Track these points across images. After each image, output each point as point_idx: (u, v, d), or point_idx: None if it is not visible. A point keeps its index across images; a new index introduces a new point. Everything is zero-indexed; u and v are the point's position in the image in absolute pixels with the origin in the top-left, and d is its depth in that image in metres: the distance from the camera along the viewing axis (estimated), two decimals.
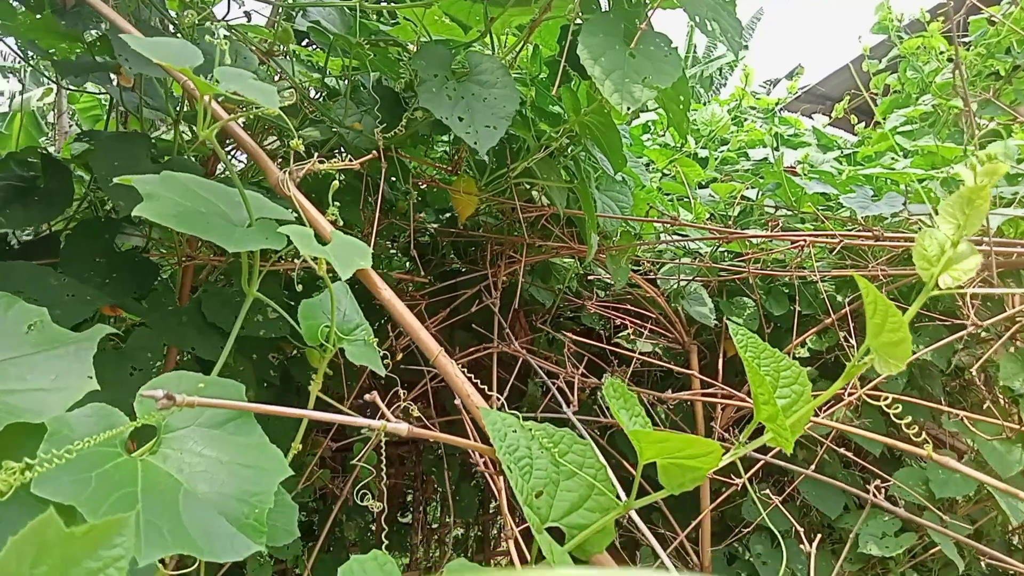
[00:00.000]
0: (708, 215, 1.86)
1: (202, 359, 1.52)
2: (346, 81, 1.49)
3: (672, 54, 1.03)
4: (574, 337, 1.49)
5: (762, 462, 1.66)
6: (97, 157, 1.13)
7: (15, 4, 1.40)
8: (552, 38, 1.30)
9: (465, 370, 0.70)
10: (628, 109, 0.93)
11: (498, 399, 0.99)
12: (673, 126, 1.18)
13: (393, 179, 1.90)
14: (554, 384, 1.17)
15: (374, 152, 0.91)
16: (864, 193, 1.89)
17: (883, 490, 1.57)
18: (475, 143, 1.03)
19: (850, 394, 1.66)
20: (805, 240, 1.51)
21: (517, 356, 2.50)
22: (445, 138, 1.94)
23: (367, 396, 0.70)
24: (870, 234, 1.37)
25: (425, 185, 1.57)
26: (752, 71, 1.79)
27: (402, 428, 0.62)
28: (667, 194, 1.86)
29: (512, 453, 0.62)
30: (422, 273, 2.24)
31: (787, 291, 2.32)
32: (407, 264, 2.50)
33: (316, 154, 1.71)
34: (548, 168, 1.28)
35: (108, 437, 0.60)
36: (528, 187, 1.48)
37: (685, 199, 1.81)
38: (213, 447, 0.66)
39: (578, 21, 1.07)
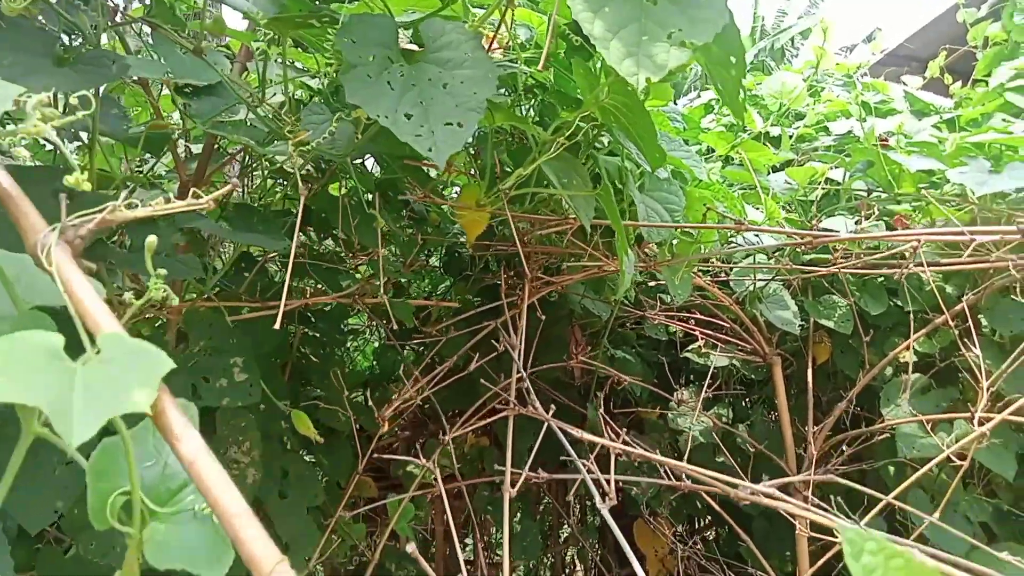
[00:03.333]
0: (784, 207, 1.48)
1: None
2: (323, 82, 1.20)
3: None
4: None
5: (883, 502, 1.28)
6: None
7: None
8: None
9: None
10: (647, 80, 0.60)
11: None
12: (725, 102, 0.84)
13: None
14: (586, 467, 0.85)
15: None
16: (979, 166, 1.48)
17: None
18: (430, 149, 0.71)
19: (982, 422, 1.27)
20: (919, 240, 1.13)
21: (580, 371, 2.18)
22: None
23: None
24: (1015, 229, 0.99)
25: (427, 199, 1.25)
26: (830, 27, 1.41)
27: None
28: (731, 184, 1.50)
29: None
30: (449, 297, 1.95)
31: (885, 284, 1.92)
32: (448, 281, 2.21)
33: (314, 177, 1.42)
34: (568, 170, 0.95)
35: None
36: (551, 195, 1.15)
37: (754, 188, 1.45)
38: None
39: None
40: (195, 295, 1.13)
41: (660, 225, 1.06)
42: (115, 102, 1.18)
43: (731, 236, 1.37)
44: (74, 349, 0.40)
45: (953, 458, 1.26)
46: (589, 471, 0.82)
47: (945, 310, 1.59)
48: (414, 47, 0.79)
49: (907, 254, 1.45)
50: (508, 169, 1.16)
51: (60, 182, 0.49)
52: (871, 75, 2.81)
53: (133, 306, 0.45)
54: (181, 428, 0.36)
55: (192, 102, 1.17)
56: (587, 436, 0.84)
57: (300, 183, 0.75)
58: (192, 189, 0.45)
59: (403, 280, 2.03)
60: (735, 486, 0.76)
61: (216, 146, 1.31)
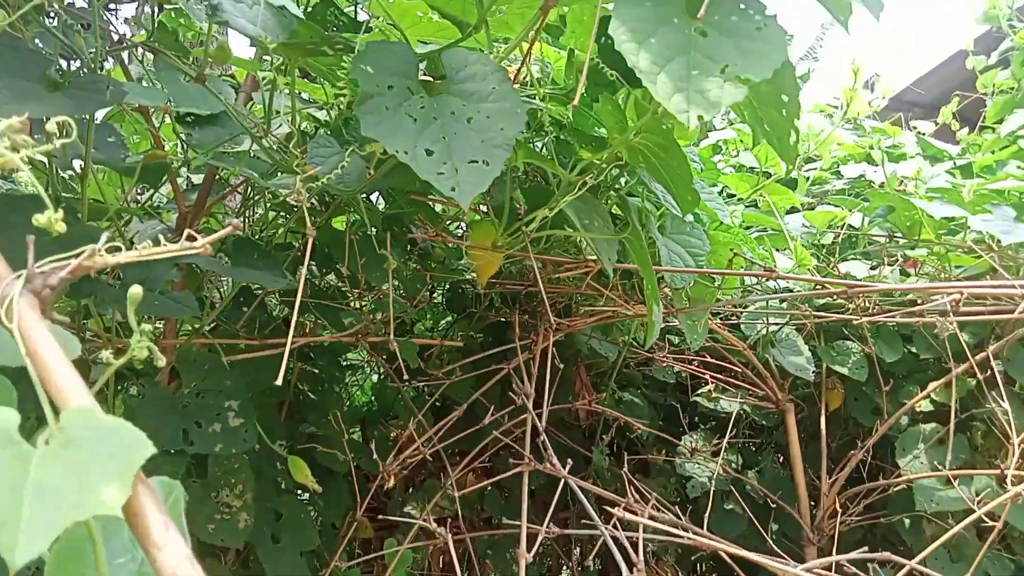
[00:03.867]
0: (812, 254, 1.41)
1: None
2: (333, 112, 1.15)
3: (769, 25, 0.60)
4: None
5: (906, 568, 1.20)
6: None
7: None
8: (589, 35, 0.92)
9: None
10: (698, 120, 0.53)
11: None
12: (772, 144, 0.76)
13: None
14: (609, 531, 0.77)
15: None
16: (1004, 214, 1.42)
17: None
18: (453, 189, 0.64)
19: (1015, 480, 1.19)
20: (961, 292, 1.07)
21: (585, 412, 2.10)
22: None
23: None
24: None
25: (438, 238, 1.18)
26: (860, 67, 1.36)
27: None
28: (748, 227, 1.43)
29: None
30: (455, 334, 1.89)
31: (899, 330, 1.85)
32: (451, 317, 2.14)
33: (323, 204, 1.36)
34: (590, 211, 0.89)
35: None
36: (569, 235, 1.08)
37: (772, 232, 1.38)
38: None
39: None
40: (190, 331, 1.06)
41: (688, 271, 0.99)
42: (112, 129, 1.12)
43: (758, 281, 1.30)
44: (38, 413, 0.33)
45: (986, 519, 1.19)
46: (601, 525, 0.74)
47: (971, 358, 1.52)
48: (430, 79, 0.73)
49: (920, 301, 1.38)
50: (518, 206, 1.09)
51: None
52: (878, 120, 2.77)
53: (111, 367, 0.38)
54: (161, 533, 0.29)
55: (193, 131, 1.11)
56: (628, 514, 0.76)
57: (307, 219, 0.68)
58: (187, 231, 0.38)
59: (407, 318, 1.96)
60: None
61: (217, 177, 1.25)
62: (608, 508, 1.01)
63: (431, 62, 0.74)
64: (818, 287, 1.16)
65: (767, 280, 1.21)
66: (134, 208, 1.04)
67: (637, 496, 0.87)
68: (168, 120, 1.33)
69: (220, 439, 0.94)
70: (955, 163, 2.04)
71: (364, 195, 1.25)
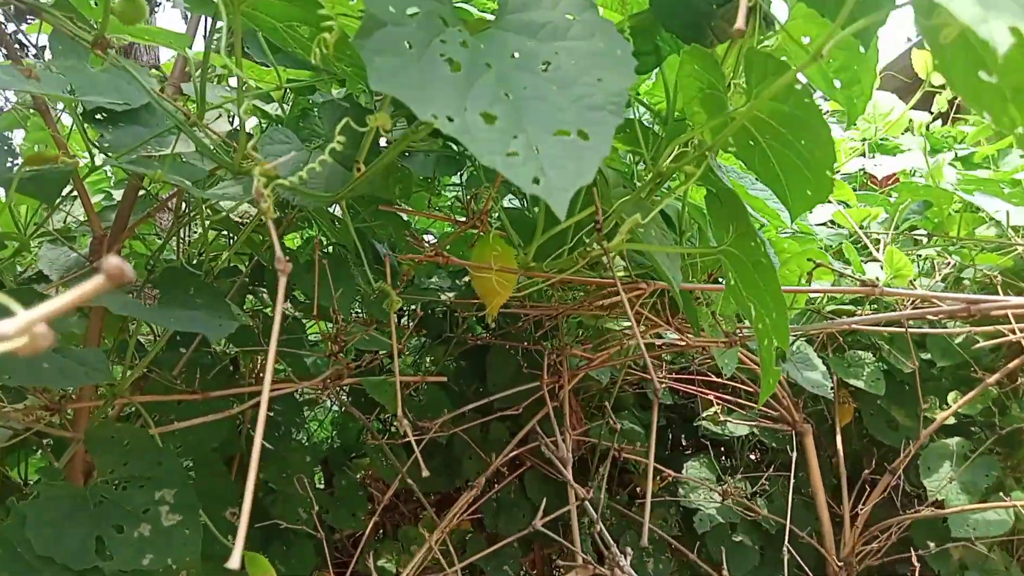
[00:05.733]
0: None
1: None
2: (284, 106, 0.89)
3: None
4: None
5: None
6: None
7: None
8: None
9: None
10: (1011, 37, 0.30)
11: None
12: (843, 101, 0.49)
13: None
14: None
15: None
16: None
17: None
18: (536, 181, 0.35)
19: None
20: None
21: (576, 442, 1.86)
22: (456, 179, 1.33)
23: None
24: None
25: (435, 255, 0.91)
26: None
27: None
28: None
29: None
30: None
31: (914, 337, 1.67)
32: (424, 341, 1.88)
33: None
34: (645, 215, 0.64)
35: None
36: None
37: (805, 236, 1.17)
38: None
39: None
40: (105, 395, 0.78)
41: (796, 290, 0.76)
42: None
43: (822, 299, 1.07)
44: None
45: None
46: None
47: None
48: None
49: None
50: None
51: None
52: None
53: None
54: None
55: (107, 131, 0.84)
56: None
57: (277, 242, 0.41)
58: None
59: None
60: None
61: (144, 191, 0.98)
62: None
63: None
64: (926, 303, 0.94)
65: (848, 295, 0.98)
66: (20, 237, 0.76)
67: None
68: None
69: (150, 547, 0.67)
70: (956, 154, 1.88)
71: (331, 206, 0.99)
